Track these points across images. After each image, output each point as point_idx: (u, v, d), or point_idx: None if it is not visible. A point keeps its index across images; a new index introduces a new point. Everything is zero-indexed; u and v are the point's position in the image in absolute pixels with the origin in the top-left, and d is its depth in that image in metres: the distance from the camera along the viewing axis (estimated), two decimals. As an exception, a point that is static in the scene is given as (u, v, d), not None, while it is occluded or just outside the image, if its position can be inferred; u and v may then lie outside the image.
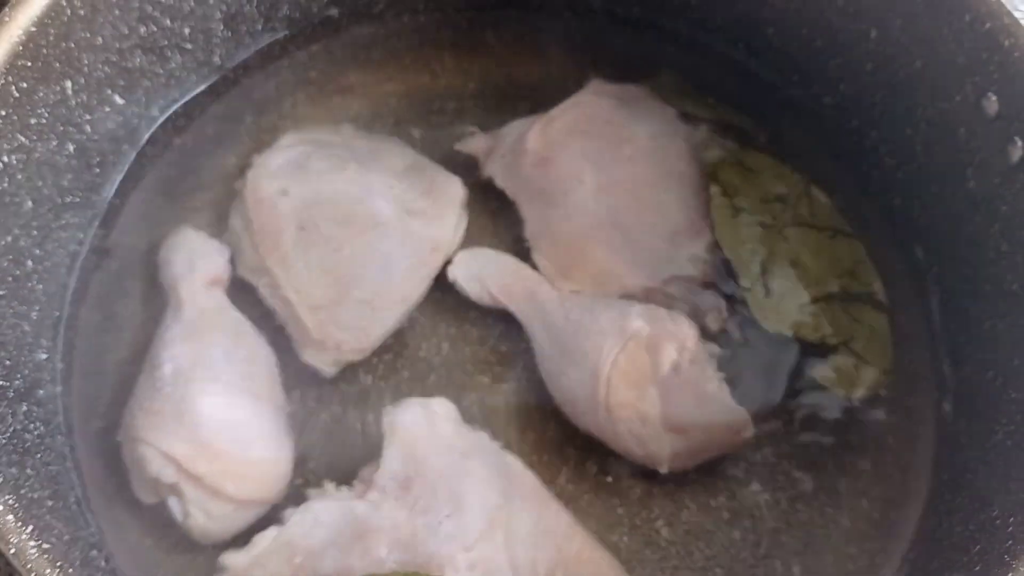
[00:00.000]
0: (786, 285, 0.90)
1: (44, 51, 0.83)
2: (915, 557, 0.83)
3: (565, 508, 0.82)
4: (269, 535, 0.79)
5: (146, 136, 0.99)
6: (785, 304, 0.89)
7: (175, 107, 1.00)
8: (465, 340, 0.93)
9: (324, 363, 0.89)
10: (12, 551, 0.67)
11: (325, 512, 0.79)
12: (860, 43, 0.91)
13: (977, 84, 0.81)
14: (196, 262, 0.91)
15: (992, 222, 0.82)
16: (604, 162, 0.95)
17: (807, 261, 0.91)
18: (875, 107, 0.93)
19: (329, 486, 0.81)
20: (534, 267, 0.93)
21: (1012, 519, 0.71)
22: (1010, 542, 0.70)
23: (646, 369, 0.83)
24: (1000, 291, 0.82)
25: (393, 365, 0.92)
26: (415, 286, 0.92)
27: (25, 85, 0.81)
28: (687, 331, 0.86)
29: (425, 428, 0.81)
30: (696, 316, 0.90)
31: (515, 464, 0.82)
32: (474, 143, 1.00)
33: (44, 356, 0.88)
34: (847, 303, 0.90)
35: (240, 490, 0.81)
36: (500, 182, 0.97)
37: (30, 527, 0.68)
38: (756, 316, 0.88)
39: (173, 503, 0.82)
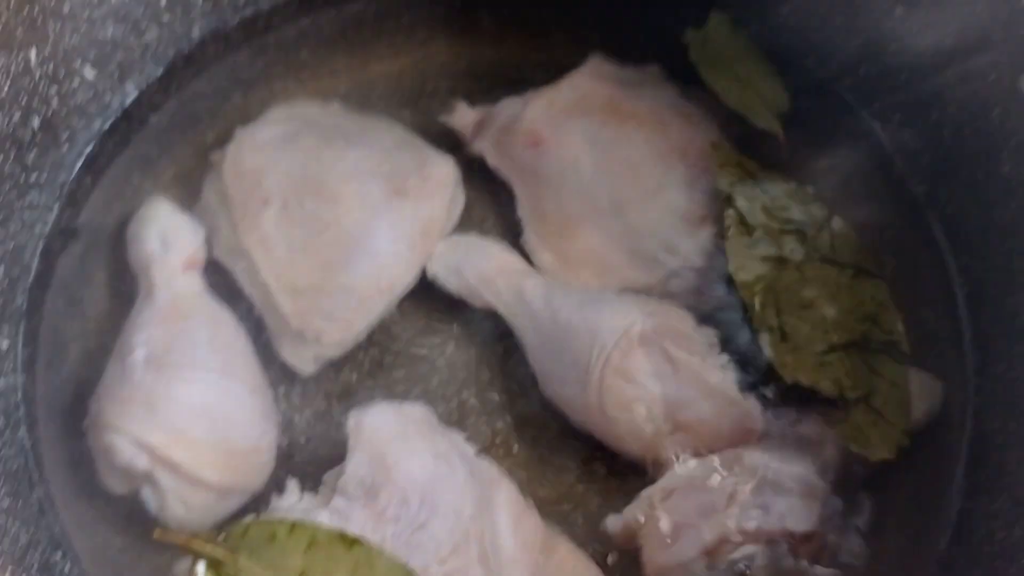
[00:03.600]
0: (803, 329, 0.83)
1: (4, 15, 0.77)
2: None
3: (546, 516, 0.79)
4: None
5: (120, 112, 0.93)
6: (803, 351, 0.82)
7: (152, 82, 0.95)
8: (462, 333, 0.90)
9: (303, 359, 0.86)
10: (-41, 555, 0.62)
11: None
12: (884, 21, 0.86)
13: (1014, 61, 0.76)
14: (170, 240, 0.87)
15: (1029, 210, 0.78)
16: (603, 142, 0.91)
17: (827, 304, 0.84)
18: (899, 89, 0.88)
19: (292, 485, 0.78)
20: (527, 251, 0.90)
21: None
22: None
23: (642, 367, 0.79)
24: (1036, 284, 0.78)
25: (381, 362, 0.88)
26: (403, 272, 0.88)
27: (-17, 52, 0.77)
28: (683, 321, 0.82)
29: (395, 432, 0.78)
30: (695, 304, 0.86)
31: (492, 471, 0.79)
32: (461, 116, 0.96)
33: (5, 344, 0.83)
34: (868, 353, 0.83)
35: (221, 478, 0.78)
36: (491, 161, 0.94)
37: (-20, 530, 0.65)
38: (772, 362, 0.82)
39: (147, 493, 0.79)
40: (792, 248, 0.86)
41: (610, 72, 0.96)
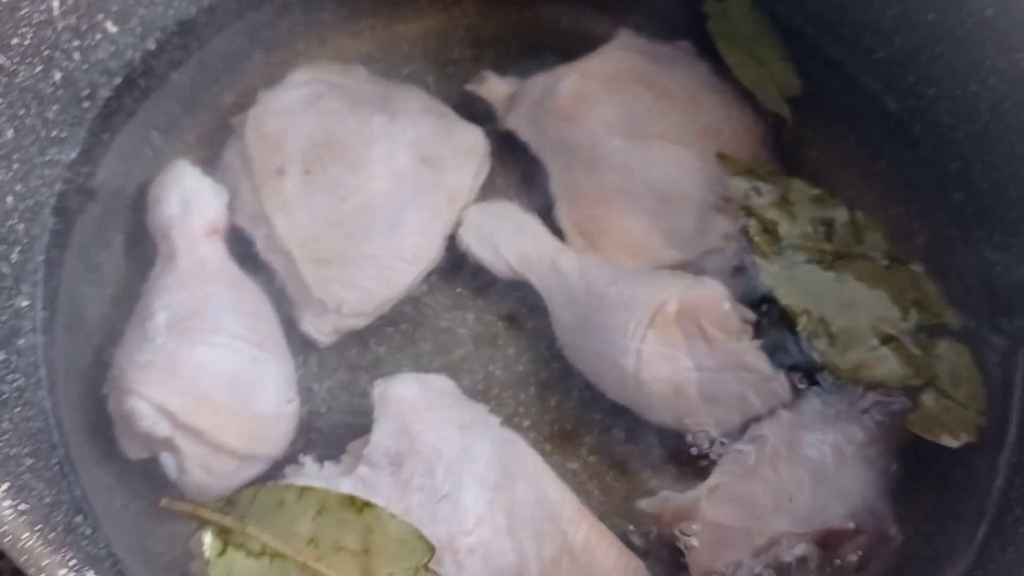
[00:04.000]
0: (849, 328, 0.81)
1: (27, -38, 0.77)
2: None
3: (571, 489, 0.78)
4: None
5: (140, 69, 0.92)
6: (854, 350, 0.80)
7: (173, 39, 0.94)
8: (487, 305, 0.88)
9: (322, 330, 0.84)
10: (-15, 511, 0.62)
11: None
12: (924, -11, 0.85)
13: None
14: (192, 204, 0.85)
15: (1071, 188, 0.77)
16: (637, 118, 0.90)
17: (866, 297, 0.82)
18: (935, 61, 0.87)
19: (307, 461, 0.76)
20: (557, 227, 0.89)
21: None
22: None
23: (678, 342, 0.79)
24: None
25: (407, 334, 0.87)
26: (429, 243, 0.87)
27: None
28: (719, 298, 0.81)
29: (420, 403, 0.77)
30: (731, 283, 0.85)
31: (518, 442, 0.78)
32: (488, 87, 0.95)
33: (26, 303, 0.82)
34: (922, 339, 0.81)
35: (243, 444, 0.77)
36: (524, 136, 0.93)
37: (5, 484, 0.64)
38: (826, 369, 0.80)
39: (166, 459, 0.78)
40: (821, 249, 0.85)
41: (642, 47, 0.95)
